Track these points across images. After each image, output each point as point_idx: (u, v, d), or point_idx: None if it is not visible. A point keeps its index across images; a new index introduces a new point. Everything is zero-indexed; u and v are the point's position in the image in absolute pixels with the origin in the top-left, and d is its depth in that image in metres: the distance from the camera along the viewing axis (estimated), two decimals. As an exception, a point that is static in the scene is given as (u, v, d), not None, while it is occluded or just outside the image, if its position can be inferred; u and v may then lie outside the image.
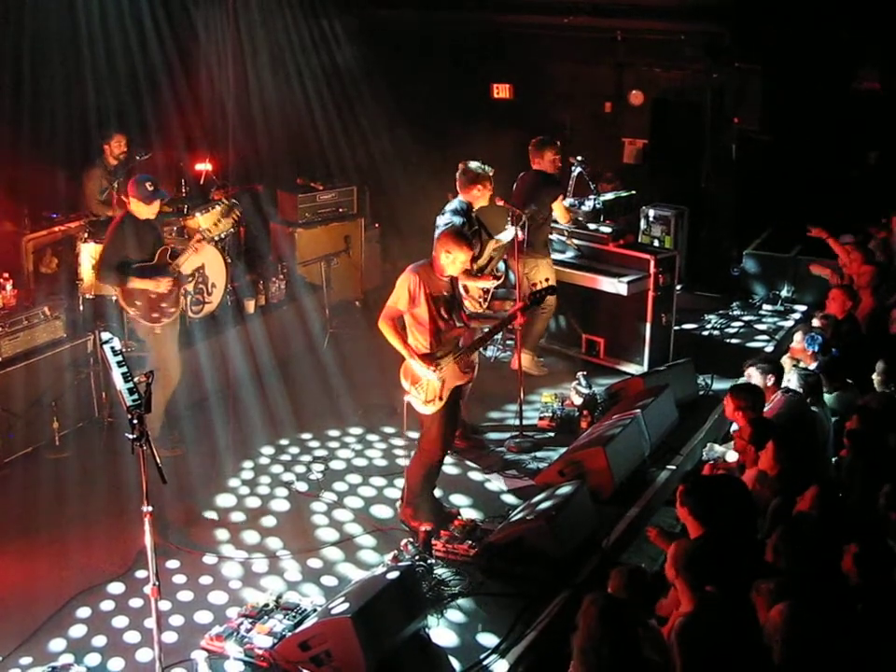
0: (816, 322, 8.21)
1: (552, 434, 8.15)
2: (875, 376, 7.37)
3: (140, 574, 6.20)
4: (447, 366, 6.48)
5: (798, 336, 7.87)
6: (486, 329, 7.16)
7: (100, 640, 5.73)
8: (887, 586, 4.76)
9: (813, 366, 7.51)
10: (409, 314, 6.51)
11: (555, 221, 9.33)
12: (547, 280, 8.01)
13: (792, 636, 4.32)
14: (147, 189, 7.37)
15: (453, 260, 6.44)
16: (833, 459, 6.79)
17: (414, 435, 7.29)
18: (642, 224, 11.18)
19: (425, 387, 6.48)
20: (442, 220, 7.80)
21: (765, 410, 6.81)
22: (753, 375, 7.26)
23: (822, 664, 4.33)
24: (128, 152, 9.58)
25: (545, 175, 8.92)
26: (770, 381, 7.16)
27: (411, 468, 6.78)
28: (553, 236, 9.52)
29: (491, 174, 7.93)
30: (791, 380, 7.16)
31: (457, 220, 7.72)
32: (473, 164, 7.93)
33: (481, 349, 7.64)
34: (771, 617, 4.41)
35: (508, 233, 8.20)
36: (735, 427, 7.05)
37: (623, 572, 4.94)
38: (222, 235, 9.32)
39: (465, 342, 6.70)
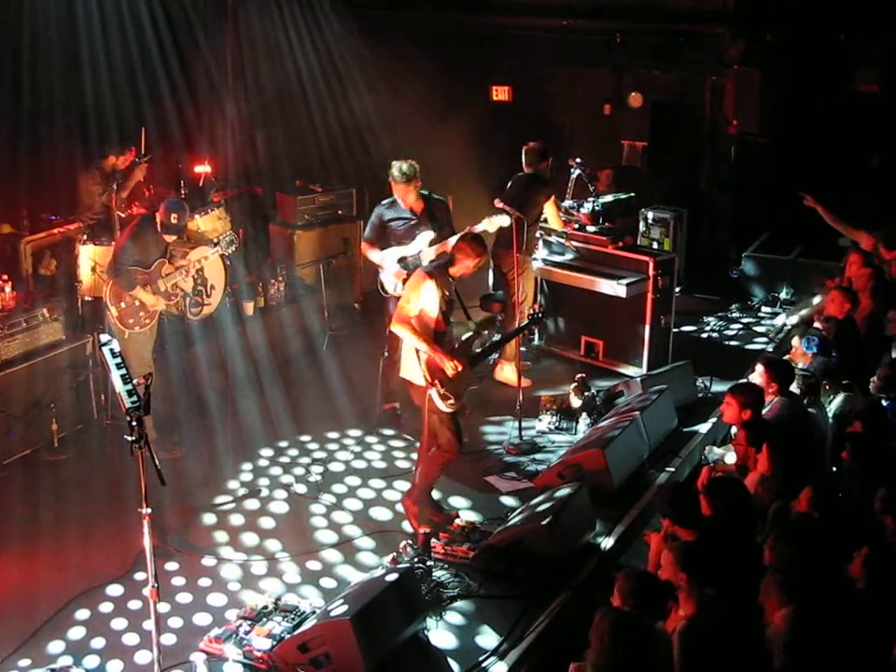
0: (817, 324, 8.20)
1: (550, 436, 8.16)
2: (873, 379, 7.35)
3: (139, 576, 6.20)
4: (463, 365, 6.57)
5: (795, 341, 7.86)
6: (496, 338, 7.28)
7: (99, 642, 5.73)
8: (891, 590, 4.75)
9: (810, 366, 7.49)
10: (416, 316, 6.58)
11: (545, 220, 9.35)
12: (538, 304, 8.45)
13: (794, 641, 4.30)
14: (171, 222, 7.56)
15: (477, 267, 6.73)
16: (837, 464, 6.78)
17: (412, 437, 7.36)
18: (641, 226, 11.19)
19: (446, 385, 6.52)
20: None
21: (764, 412, 6.80)
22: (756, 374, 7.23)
23: (824, 669, 4.32)
24: (130, 164, 9.59)
25: (536, 176, 9.02)
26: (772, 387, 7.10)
27: (427, 465, 6.78)
28: (553, 238, 9.54)
29: (395, 171, 7.91)
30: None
31: (376, 211, 8.11)
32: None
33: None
34: (773, 622, 4.39)
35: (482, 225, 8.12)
36: (735, 429, 7.04)
37: (630, 576, 4.82)
38: (221, 237, 9.33)
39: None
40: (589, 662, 4.29)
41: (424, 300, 6.59)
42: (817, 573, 4.78)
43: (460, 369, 6.51)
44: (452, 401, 6.51)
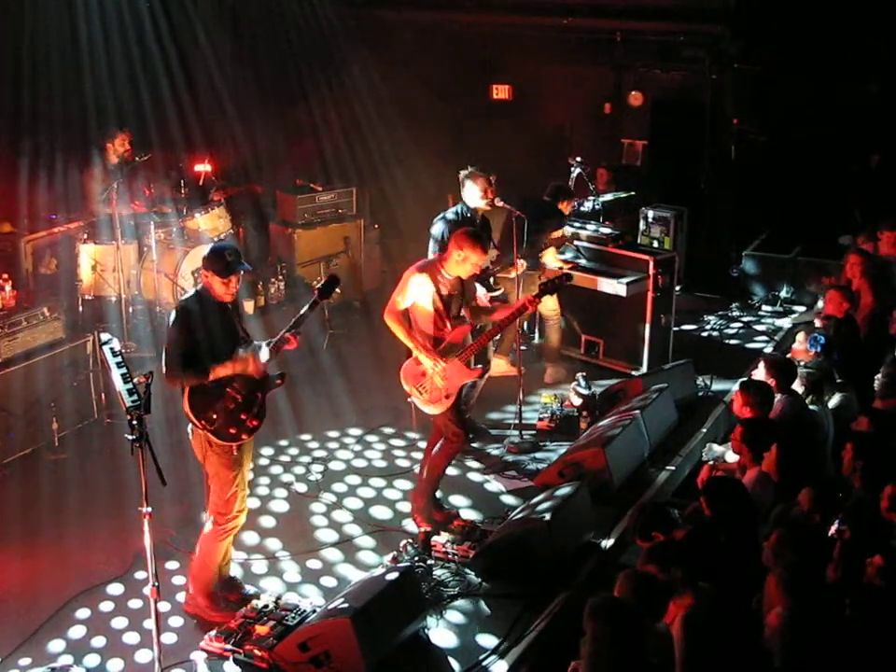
0: (817, 322, 8.19)
1: (551, 435, 8.16)
2: (878, 377, 7.34)
3: (139, 575, 6.20)
4: (451, 362, 6.48)
5: (800, 337, 7.86)
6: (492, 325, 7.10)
7: (99, 641, 5.72)
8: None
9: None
10: (412, 311, 6.52)
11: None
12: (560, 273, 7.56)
13: (790, 642, 4.29)
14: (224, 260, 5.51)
15: (464, 260, 6.38)
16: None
17: (413, 435, 7.33)
18: (641, 225, 11.19)
19: (428, 388, 6.48)
20: (435, 227, 7.81)
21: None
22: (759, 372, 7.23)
23: (821, 667, 4.32)
24: (132, 150, 9.54)
25: (554, 207, 8.99)
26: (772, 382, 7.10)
27: (435, 459, 6.74)
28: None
29: (486, 175, 7.86)
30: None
31: (444, 225, 7.74)
32: (471, 167, 7.93)
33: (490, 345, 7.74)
34: (768, 622, 4.39)
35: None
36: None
37: (630, 576, 4.80)
38: (221, 236, 9.35)
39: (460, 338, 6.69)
40: (582, 649, 4.28)
41: (408, 293, 6.47)
42: (812, 572, 4.78)
43: (441, 366, 6.42)
44: (439, 404, 6.47)
